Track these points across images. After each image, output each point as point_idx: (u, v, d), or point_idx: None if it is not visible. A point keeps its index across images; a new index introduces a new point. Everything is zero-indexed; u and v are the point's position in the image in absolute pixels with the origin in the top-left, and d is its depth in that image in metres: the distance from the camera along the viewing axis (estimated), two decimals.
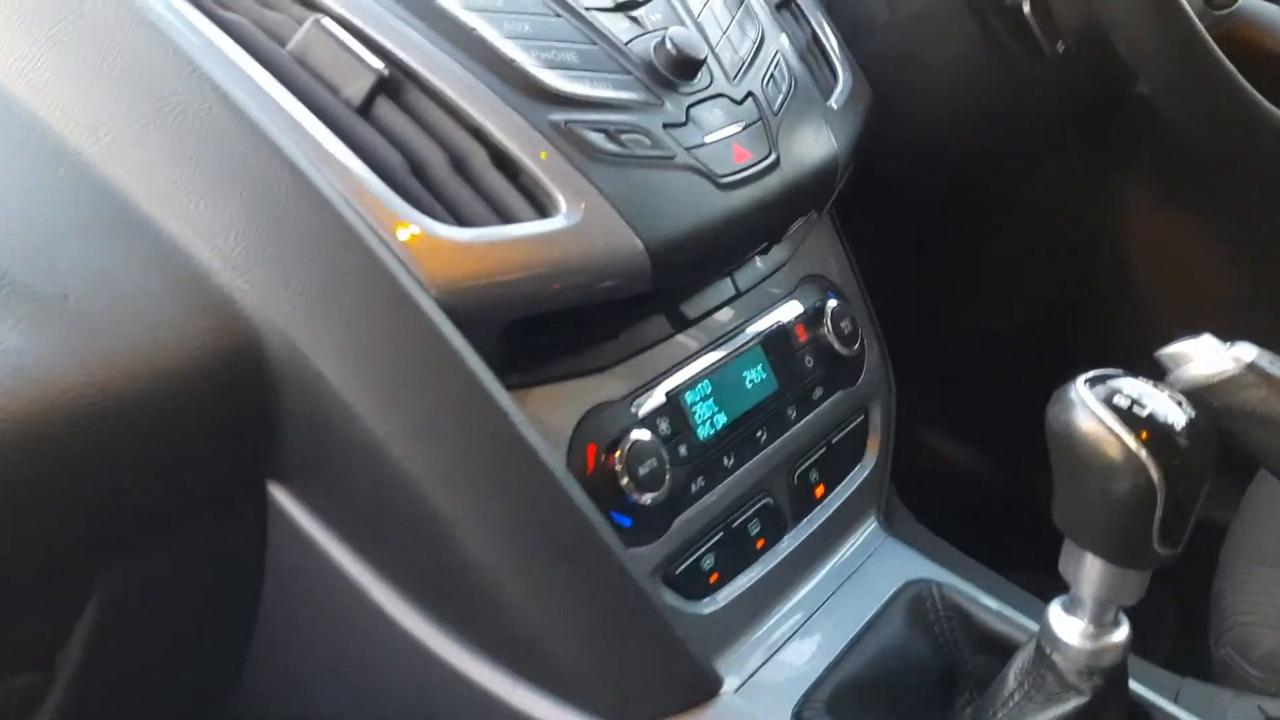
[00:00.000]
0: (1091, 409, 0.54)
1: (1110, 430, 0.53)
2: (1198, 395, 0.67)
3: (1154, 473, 0.52)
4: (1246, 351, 0.66)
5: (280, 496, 0.57)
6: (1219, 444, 0.57)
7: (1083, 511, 0.55)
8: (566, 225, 0.58)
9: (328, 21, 0.57)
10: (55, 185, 0.52)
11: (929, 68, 1.01)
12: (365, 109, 0.56)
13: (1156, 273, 1.32)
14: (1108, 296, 1.35)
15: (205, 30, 0.54)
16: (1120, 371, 0.57)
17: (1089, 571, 0.56)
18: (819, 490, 0.81)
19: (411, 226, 0.53)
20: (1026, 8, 0.93)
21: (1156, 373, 0.59)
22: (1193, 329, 0.60)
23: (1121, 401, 0.54)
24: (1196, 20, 0.81)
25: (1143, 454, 0.53)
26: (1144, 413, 0.54)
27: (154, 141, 0.52)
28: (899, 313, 1.41)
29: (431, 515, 0.54)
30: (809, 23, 0.86)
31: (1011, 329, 1.38)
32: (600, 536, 0.58)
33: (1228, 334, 0.63)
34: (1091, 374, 0.57)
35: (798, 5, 0.86)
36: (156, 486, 0.52)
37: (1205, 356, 0.67)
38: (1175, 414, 0.55)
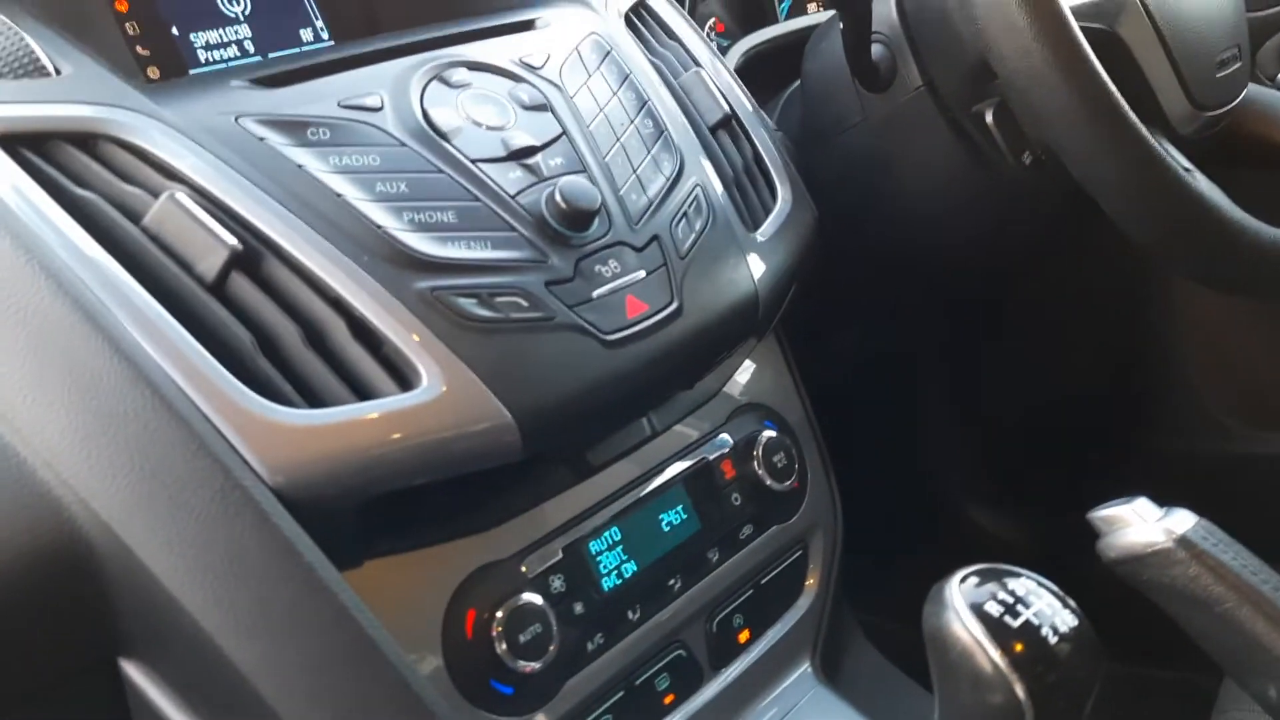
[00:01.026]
0: (960, 615, 0.51)
1: (977, 642, 0.50)
2: (1126, 567, 0.63)
3: (1020, 691, 0.49)
4: (1181, 522, 0.61)
5: (134, 674, 0.56)
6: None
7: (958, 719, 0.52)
8: (426, 399, 0.56)
9: (182, 195, 0.55)
10: None
11: (908, 168, 0.97)
12: (219, 285, 0.55)
13: (1201, 354, 1.26)
14: (1146, 385, 1.29)
15: (50, 214, 0.53)
16: (1006, 568, 0.53)
17: None
18: (743, 636, 0.77)
19: (246, 411, 0.52)
20: (989, 118, 0.88)
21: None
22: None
23: (994, 608, 0.51)
24: (1153, 143, 0.75)
25: (1009, 670, 0.49)
26: (1017, 622, 0.50)
27: None
28: (933, 392, 1.37)
29: (270, 712, 0.52)
30: (750, 142, 0.83)
31: (1052, 407, 1.34)
32: None
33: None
34: (975, 569, 0.53)
35: (739, 122, 0.83)
36: None
37: (1137, 525, 0.63)
38: (1057, 621, 0.51)
